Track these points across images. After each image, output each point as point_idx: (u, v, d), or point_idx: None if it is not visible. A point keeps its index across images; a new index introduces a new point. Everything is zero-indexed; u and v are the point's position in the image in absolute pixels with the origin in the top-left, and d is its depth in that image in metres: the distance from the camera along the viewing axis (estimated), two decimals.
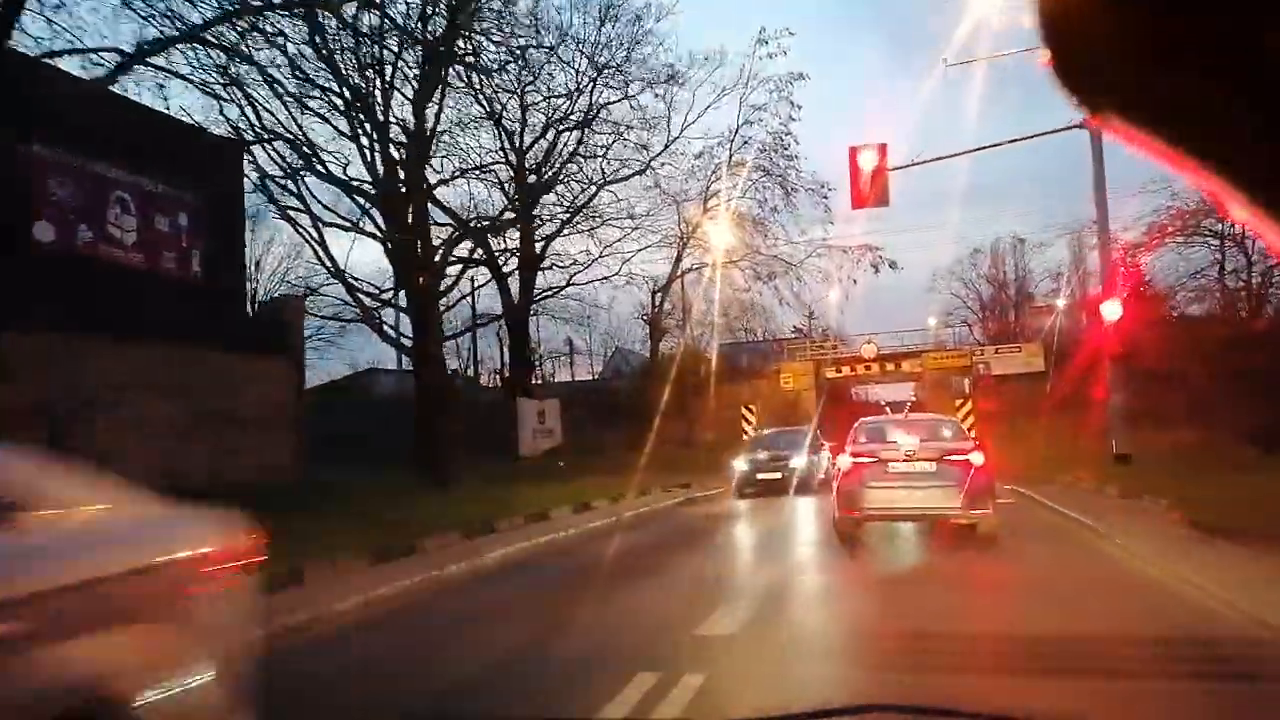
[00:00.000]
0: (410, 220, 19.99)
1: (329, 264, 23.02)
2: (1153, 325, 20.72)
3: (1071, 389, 21.64)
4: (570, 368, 55.99)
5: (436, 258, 21.87)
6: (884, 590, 7.71)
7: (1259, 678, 4.67)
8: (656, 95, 27.07)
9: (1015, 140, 18.97)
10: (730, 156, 30.90)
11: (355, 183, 21.03)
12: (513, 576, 8.90)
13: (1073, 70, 0.52)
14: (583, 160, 28.14)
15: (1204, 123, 0.50)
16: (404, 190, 18.93)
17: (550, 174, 27.63)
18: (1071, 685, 4.54)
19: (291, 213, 22.43)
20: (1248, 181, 0.51)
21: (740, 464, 19.89)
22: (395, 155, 20.27)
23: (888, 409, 33.83)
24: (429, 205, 21.76)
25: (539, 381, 53.14)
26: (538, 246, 30.88)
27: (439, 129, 21.13)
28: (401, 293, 24.81)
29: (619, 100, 26.65)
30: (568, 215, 30.28)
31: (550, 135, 27.63)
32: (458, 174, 22.96)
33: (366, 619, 6.79)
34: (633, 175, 30.21)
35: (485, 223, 24.21)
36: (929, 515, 10.14)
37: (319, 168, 19.39)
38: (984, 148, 18.88)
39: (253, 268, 39.95)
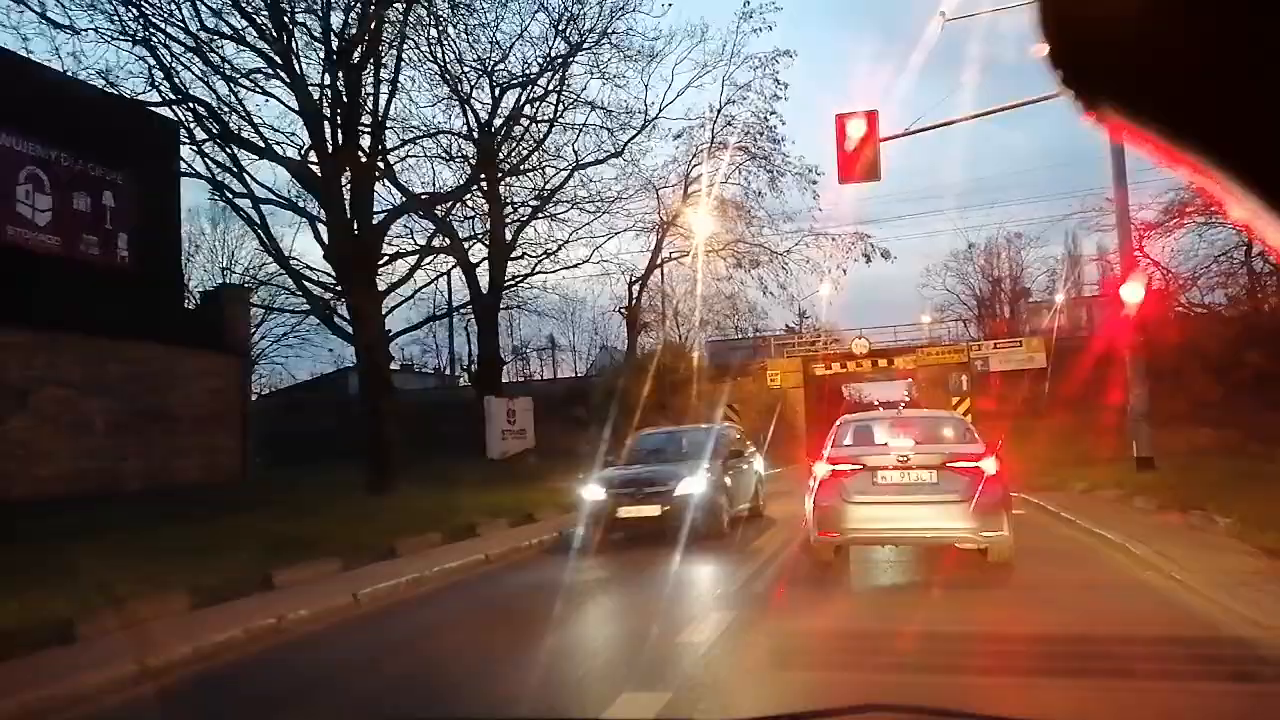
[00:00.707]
0: (350, 198, 17.89)
1: (271, 247, 20.96)
2: (1170, 314, 18.86)
3: (1079, 385, 19.68)
4: (553, 365, 54.33)
5: (391, 244, 19.84)
6: (849, 654, 5.59)
7: None
8: (627, 55, 25.03)
9: (1017, 105, 16.89)
10: (712, 138, 28.95)
11: (302, 162, 18.97)
12: (345, 640, 6.49)
13: (1069, 62, 0.51)
14: (555, 132, 26.24)
15: (1204, 120, 0.49)
16: (331, 152, 16.81)
17: (517, 145, 25.68)
18: None
19: (230, 194, 20.19)
20: (1248, 180, 0.49)
21: (593, 490, 11.78)
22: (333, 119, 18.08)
23: (880, 407, 31.90)
24: (376, 184, 19.69)
25: (522, 380, 51.42)
26: (508, 234, 28.95)
27: (390, 85, 19.22)
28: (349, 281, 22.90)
29: (587, 48, 24.62)
30: (539, 201, 28.40)
31: (517, 105, 25.71)
32: (406, 142, 20.90)
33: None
34: (609, 158, 28.36)
35: (426, 195, 22.10)
36: (928, 538, 8.15)
37: (242, 135, 17.29)
38: (985, 113, 16.84)
39: (227, 259, 37.92)
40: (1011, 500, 8.23)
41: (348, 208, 17.48)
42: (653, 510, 11.10)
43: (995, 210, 73.17)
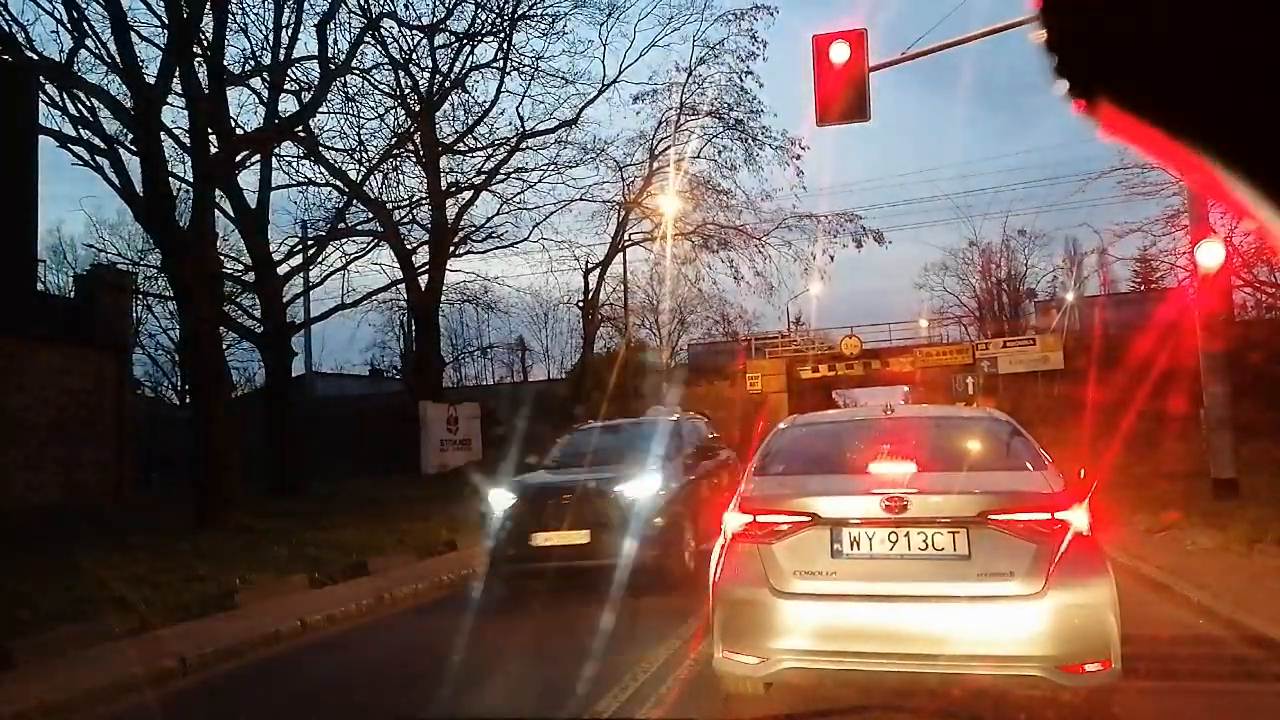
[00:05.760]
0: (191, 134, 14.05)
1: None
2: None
3: (1115, 390, 15.88)
4: (523, 369, 50.43)
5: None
6: None
7: None
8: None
9: (1027, 20, 12.92)
10: (681, 104, 25.24)
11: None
12: None
13: (1069, 50, 0.49)
14: (501, 99, 22.73)
15: (1207, 116, 0.47)
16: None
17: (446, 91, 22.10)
18: None
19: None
20: (1250, 179, 0.47)
21: (501, 499, 8.56)
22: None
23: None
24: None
25: (494, 383, 47.44)
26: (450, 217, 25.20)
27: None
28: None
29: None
30: (483, 177, 24.74)
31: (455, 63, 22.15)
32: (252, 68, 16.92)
33: None
34: (560, 127, 24.75)
35: (280, 121, 17.99)
36: (951, 668, 3.85)
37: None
38: (994, 30, 13.14)
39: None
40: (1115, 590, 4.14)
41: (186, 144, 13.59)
42: (579, 537, 7.98)
43: (1002, 200, 69.46)
